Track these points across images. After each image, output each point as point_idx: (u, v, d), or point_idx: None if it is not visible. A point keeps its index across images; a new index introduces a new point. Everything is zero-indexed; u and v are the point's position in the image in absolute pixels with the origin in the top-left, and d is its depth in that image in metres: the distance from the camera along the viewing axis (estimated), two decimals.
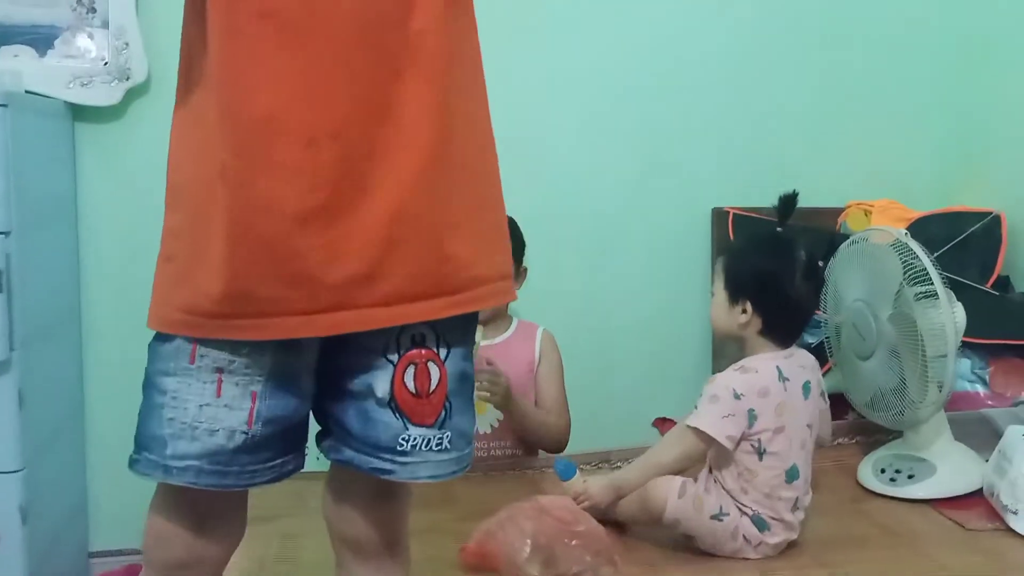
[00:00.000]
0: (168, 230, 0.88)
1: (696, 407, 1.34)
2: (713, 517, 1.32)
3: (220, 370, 0.85)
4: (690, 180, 2.21)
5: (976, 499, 1.51)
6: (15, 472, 1.56)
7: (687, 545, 1.36)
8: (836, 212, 2.22)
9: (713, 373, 2.23)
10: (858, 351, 1.63)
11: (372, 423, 0.88)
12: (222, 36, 0.81)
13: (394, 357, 0.87)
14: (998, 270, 2.01)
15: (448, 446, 0.89)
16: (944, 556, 1.34)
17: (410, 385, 0.87)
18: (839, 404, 1.78)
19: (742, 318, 1.38)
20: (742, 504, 1.33)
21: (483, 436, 1.75)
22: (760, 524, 1.32)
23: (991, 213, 2.07)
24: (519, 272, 1.80)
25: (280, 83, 0.80)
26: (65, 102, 1.89)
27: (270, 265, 0.82)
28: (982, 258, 2.03)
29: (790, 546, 1.36)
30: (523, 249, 1.80)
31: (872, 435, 1.72)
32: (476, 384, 1.60)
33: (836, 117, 2.27)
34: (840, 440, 1.75)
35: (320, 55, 0.80)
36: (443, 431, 0.89)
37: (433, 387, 0.88)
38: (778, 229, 1.45)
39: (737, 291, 1.38)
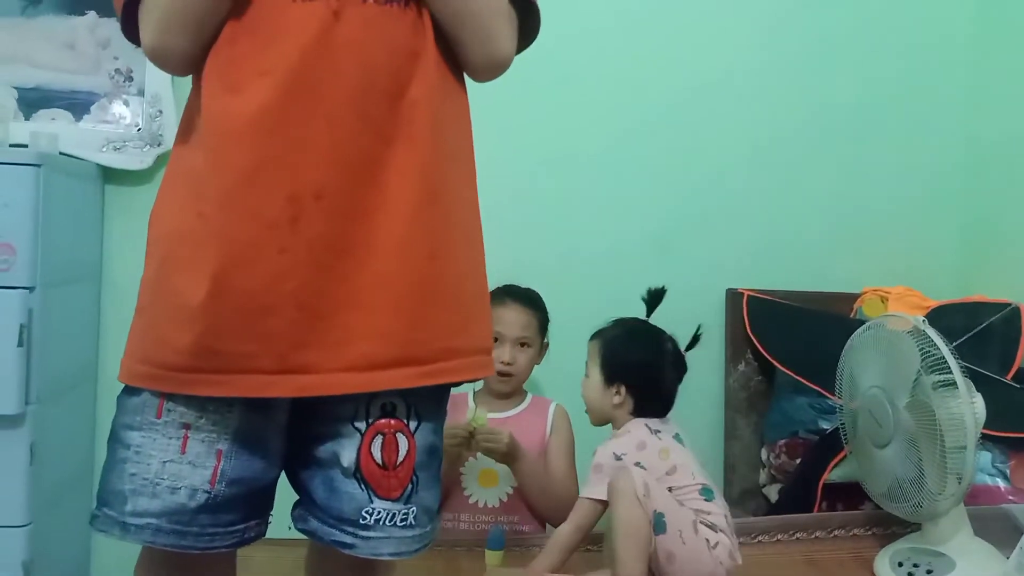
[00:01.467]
0: (144, 282, 0.88)
1: (587, 481, 1.45)
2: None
3: (187, 426, 0.83)
4: (705, 261, 2.22)
5: None
6: (21, 527, 1.55)
7: None
8: (852, 298, 2.22)
9: (725, 455, 2.21)
10: (875, 439, 1.61)
11: (337, 494, 0.85)
12: (220, 92, 0.82)
13: (362, 426, 0.85)
14: (1018, 362, 1.99)
15: (413, 522, 0.86)
16: None
17: (377, 456, 0.85)
18: (855, 493, 1.75)
19: (615, 399, 1.51)
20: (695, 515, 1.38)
21: (491, 510, 1.73)
22: (711, 526, 1.38)
23: (1010, 304, 2.06)
24: (542, 346, 1.81)
25: (270, 138, 0.81)
26: (97, 165, 1.95)
27: (243, 320, 0.80)
28: (1002, 350, 2.01)
29: None
30: (547, 324, 1.82)
31: (889, 527, 1.68)
32: (475, 442, 1.62)
33: (855, 203, 2.29)
34: (856, 531, 1.71)
35: (312, 116, 0.81)
36: (408, 506, 0.86)
37: (401, 459, 0.86)
38: (647, 319, 1.58)
39: (613, 376, 1.52)
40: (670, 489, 1.40)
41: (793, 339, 2.10)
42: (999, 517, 1.64)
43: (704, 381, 2.16)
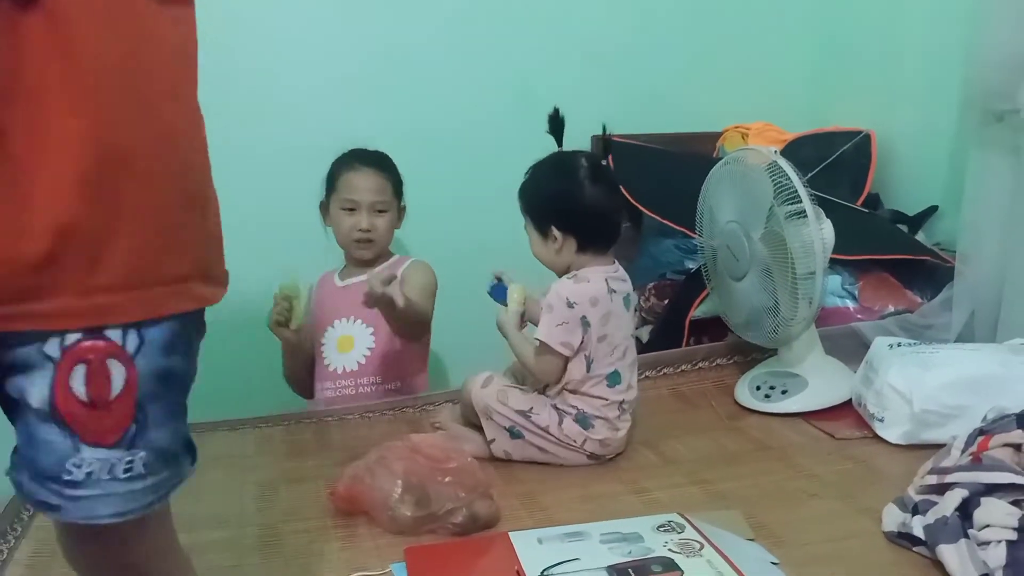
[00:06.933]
0: None
1: (540, 321, 1.38)
2: (519, 412, 1.37)
3: None
4: (568, 108, 2.15)
5: (846, 410, 1.56)
6: None
7: (564, 473, 1.37)
8: (715, 136, 2.23)
9: None
10: (732, 272, 1.64)
11: (33, 442, 0.65)
12: None
13: (55, 352, 0.63)
14: (868, 188, 2.06)
15: (143, 470, 0.67)
16: (814, 465, 1.38)
17: (79, 391, 0.63)
18: (718, 327, 1.80)
19: (555, 245, 1.39)
20: (565, 407, 1.38)
21: (350, 374, 1.70)
22: (583, 422, 1.37)
23: (861, 132, 2.11)
24: (399, 209, 1.76)
25: None
26: None
27: None
28: (853, 177, 2.07)
29: (665, 463, 1.39)
30: (402, 186, 1.76)
31: (749, 354, 1.75)
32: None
33: (711, 42, 2.27)
34: (719, 361, 1.78)
35: None
36: (132, 451, 0.66)
37: (115, 393, 0.64)
38: (559, 149, 1.45)
39: (541, 222, 1.40)
40: (590, 364, 1.37)
41: (658, 182, 2.10)
42: (848, 335, 1.72)
43: None
